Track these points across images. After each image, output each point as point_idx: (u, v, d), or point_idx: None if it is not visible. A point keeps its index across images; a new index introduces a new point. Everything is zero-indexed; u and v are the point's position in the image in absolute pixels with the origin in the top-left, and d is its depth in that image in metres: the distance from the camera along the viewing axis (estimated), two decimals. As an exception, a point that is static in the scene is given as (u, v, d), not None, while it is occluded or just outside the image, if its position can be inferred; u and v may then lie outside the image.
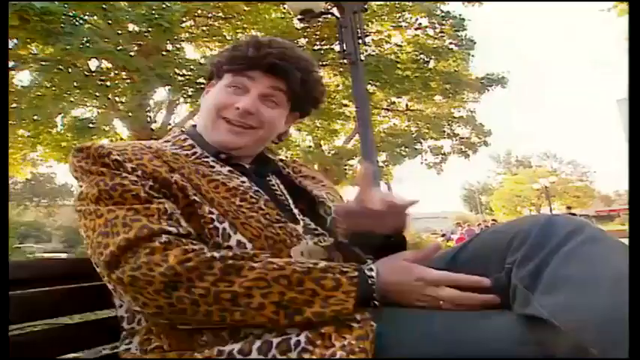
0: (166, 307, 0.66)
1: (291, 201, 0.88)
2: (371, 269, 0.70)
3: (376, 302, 0.68)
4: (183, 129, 0.93)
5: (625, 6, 9.51)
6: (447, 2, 11.10)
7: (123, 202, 0.72)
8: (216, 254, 0.68)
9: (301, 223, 0.83)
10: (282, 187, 0.91)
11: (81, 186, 0.77)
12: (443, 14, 10.78)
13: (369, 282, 0.69)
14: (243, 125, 0.87)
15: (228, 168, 0.84)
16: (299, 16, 4.92)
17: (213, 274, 0.65)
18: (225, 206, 0.76)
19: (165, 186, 0.75)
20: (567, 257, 0.61)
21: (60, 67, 8.77)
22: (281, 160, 1.02)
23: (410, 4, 10.88)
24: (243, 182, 0.82)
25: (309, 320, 0.65)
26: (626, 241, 0.64)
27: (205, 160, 0.85)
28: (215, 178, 0.80)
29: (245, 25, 10.33)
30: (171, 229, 0.70)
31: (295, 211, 0.86)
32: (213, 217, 0.75)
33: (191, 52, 10.97)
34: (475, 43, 11.09)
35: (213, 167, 0.83)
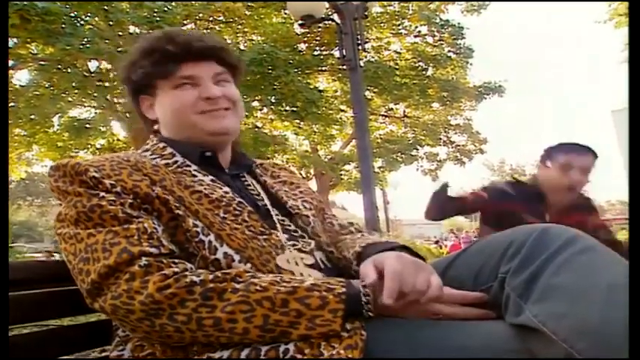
0: (153, 333, 0.65)
1: (268, 202, 0.87)
2: (365, 286, 0.67)
3: (370, 314, 0.66)
4: (162, 136, 0.90)
5: (623, 19, 9.61)
6: (447, 4, 11.16)
7: (102, 224, 0.70)
8: (196, 278, 0.65)
9: (279, 227, 0.82)
10: (257, 186, 0.91)
11: (61, 204, 0.75)
12: (442, 22, 10.84)
13: (362, 298, 0.66)
14: (219, 109, 0.87)
15: (210, 177, 0.83)
16: (300, 22, 4.94)
17: (193, 300, 0.63)
18: (209, 217, 0.75)
19: (147, 201, 0.73)
20: (561, 267, 0.60)
21: (59, 67, 8.76)
22: (260, 165, 1.01)
23: (409, 11, 10.95)
24: (227, 193, 0.81)
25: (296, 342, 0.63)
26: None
27: (187, 168, 0.83)
28: (198, 189, 0.79)
29: (246, 30, 10.37)
30: (151, 250, 0.68)
31: (273, 212, 0.85)
32: (198, 229, 0.73)
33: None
34: (473, 51, 11.16)
35: (195, 177, 0.82)
